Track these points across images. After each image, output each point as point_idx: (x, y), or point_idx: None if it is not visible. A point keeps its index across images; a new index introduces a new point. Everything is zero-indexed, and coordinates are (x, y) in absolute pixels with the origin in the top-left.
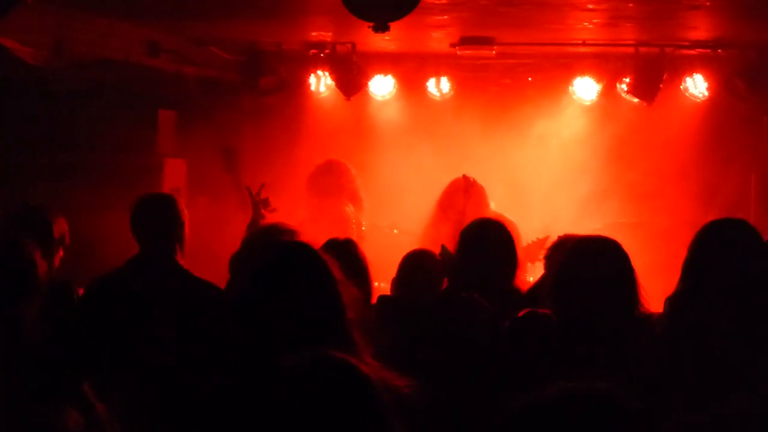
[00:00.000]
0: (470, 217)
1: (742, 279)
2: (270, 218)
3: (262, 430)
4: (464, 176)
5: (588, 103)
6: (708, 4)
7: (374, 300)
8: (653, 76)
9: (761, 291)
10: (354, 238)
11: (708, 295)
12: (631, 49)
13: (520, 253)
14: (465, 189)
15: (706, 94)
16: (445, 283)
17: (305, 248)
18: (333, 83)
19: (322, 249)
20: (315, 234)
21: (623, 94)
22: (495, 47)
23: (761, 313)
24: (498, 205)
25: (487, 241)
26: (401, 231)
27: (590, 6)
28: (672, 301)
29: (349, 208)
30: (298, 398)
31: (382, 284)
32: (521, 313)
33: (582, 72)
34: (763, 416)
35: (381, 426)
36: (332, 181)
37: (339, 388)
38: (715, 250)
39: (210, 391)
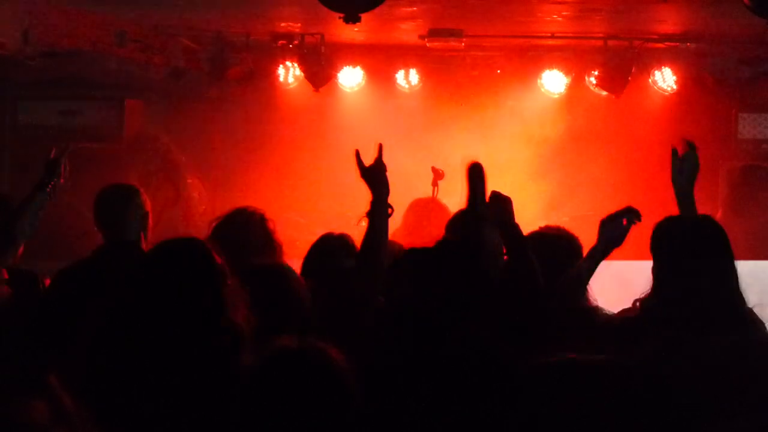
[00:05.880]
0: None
1: (702, 276)
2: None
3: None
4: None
5: (556, 96)
6: None
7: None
8: (622, 69)
9: (723, 287)
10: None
11: (673, 296)
12: (599, 42)
13: None
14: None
15: (675, 87)
16: None
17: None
18: (301, 74)
19: (320, 241)
20: None
21: (592, 87)
22: (464, 39)
23: (723, 310)
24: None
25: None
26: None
27: None
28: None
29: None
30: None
31: None
32: None
33: (550, 65)
34: None
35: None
36: None
37: (320, 375)
38: (679, 248)
39: (178, 379)
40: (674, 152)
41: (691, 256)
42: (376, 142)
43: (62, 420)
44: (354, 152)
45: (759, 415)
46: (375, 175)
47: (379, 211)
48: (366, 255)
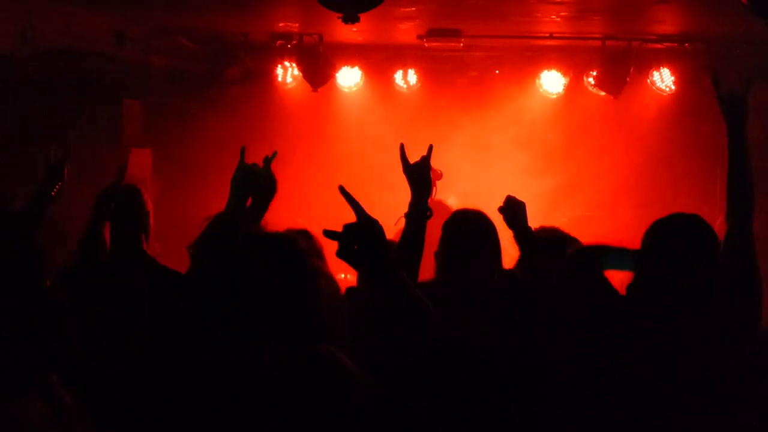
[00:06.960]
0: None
1: (690, 277)
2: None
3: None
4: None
5: (554, 96)
6: None
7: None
8: (620, 69)
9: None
10: None
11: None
12: (598, 43)
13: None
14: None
15: (673, 87)
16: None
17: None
18: (300, 74)
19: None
20: None
21: (590, 88)
22: (462, 39)
23: (711, 311)
24: (464, 197)
25: (471, 231)
26: None
27: None
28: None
29: None
30: (281, 390)
31: (348, 276)
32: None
33: (549, 65)
34: None
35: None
36: None
37: (322, 379)
38: (665, 248)
39: (177, 379)
40: (715, 80)
41: (681, 254)
42: (429, 142)
43: (61, 418)
44: (399, 146)
45: (753, 411)
46: (419, 174)
47: (417, 212)
48: (401, 256)
